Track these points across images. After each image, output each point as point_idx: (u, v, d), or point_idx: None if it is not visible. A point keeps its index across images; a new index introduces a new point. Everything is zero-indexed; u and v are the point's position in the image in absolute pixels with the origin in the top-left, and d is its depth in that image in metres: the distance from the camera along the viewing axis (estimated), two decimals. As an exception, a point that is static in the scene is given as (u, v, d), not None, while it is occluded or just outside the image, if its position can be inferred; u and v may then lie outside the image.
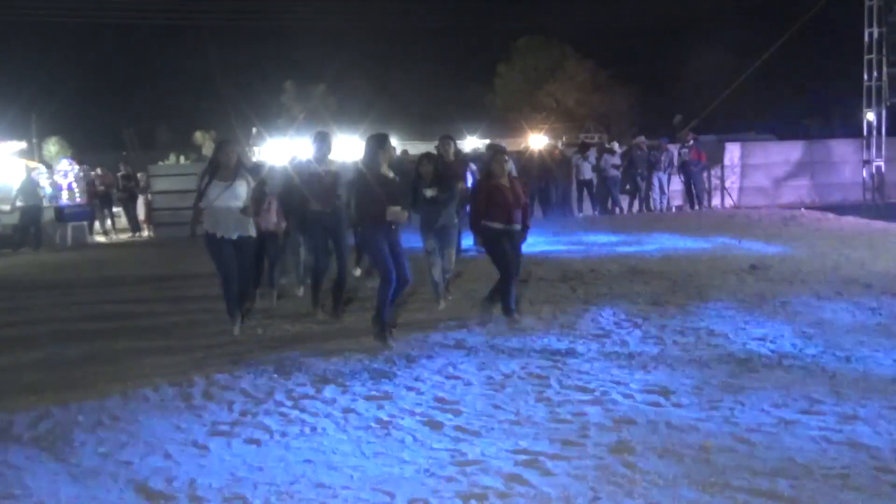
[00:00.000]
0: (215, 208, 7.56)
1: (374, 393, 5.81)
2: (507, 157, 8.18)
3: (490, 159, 7.98)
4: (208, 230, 7.63)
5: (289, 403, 5.67)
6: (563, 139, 26.86)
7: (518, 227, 7.82)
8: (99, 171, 21.70)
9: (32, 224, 17.83)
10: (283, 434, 5.06)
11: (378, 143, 7.26)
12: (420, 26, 48.78)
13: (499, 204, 7.69)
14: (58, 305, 10.16)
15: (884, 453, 4.40)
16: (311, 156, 8.51)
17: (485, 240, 7.80)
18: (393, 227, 7.20)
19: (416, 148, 21.49)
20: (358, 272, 10.39)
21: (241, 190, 7.63)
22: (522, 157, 19.69)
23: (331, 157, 8.59)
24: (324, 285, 8.65)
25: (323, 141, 8.41)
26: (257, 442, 4.94)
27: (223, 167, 7.66)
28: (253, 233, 7.85)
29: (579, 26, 45.58)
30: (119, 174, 21.38)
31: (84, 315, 9.36)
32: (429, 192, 8.54)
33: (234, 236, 7.63)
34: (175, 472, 4.50)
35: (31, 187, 18.24)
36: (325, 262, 8.48)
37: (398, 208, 7.09)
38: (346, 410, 5.45)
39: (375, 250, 7.21)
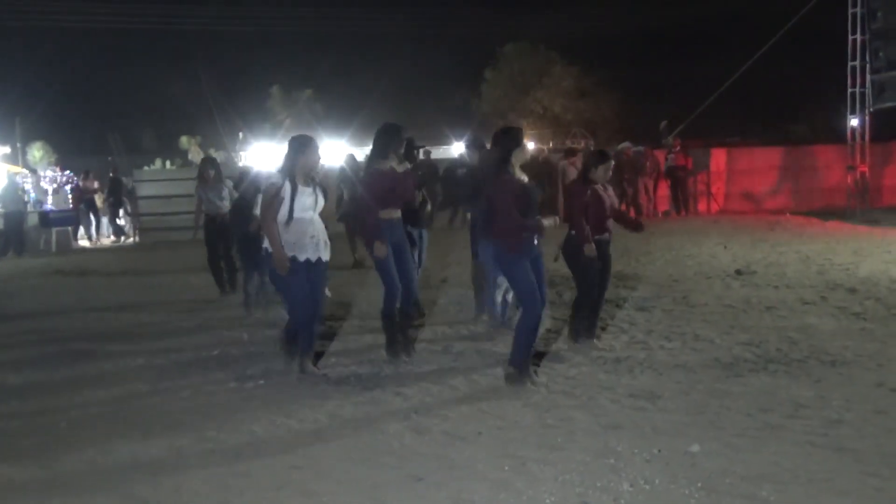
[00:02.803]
0: (302, 222, 6.07)
1: (361, 398, 5.79)
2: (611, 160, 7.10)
3: (592, 163, 6.95)
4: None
5: (275, 409, 5.64)
6: (550, 145, 26.95)
7: (608, 235, 6.98)
8: (83, 176, 21.60)
9: (16, 229, 17.72)
10: (270, 439, 5.04)
11: (514, 140, 5.88)
12: (407, 32, 48.88)
13: (595, 212, 6.80)
14: (40, 310, 10.09)
15: (869, 457, 4.42)
16: (378, 153, 6.74)
17: (573, 252, 6.81)
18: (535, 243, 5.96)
19: (403, 153, 21.42)
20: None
21: (322, 198, 6.30)
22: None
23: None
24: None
25: (396, 135, 6.79)
26: (244, 447, 4.92)
27: (307, 170, 6.19)
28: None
29: (565, 33, 45.76)
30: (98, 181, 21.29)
31: (68, 320, 9.29)
32: None
33: (325, 257, 6.25)
34: (161, 479, 4.47)
35: (13, 192, 18.13)
36: (397, 285, 6.77)
37: (550, 220, 5.87)
38: (334, 416, 5.44)
39: (522, 275, 5.84)
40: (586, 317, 6.98)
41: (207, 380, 6.45)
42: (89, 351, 7.63)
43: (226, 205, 9.82)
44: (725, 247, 13.36)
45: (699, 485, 4.14)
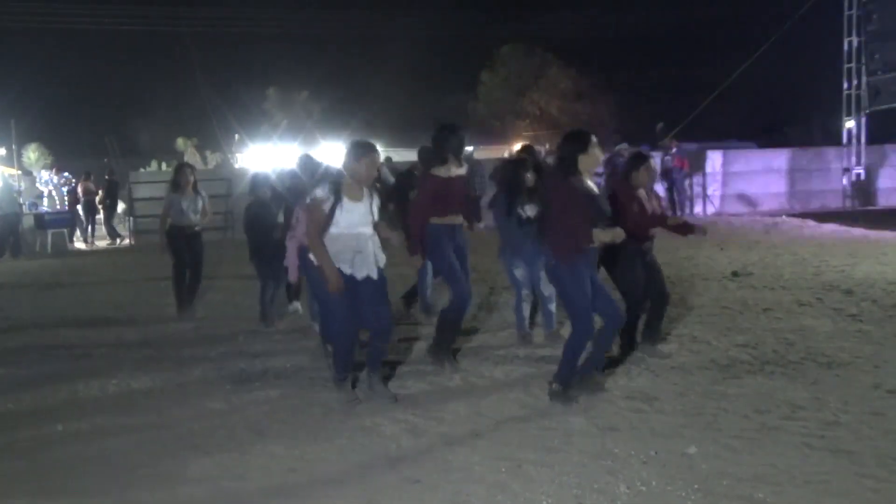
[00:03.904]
0: (346, 238, 5.53)
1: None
2: (653, 163, 6.62)
3: (633, 166, 6.54)
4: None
5: (271, 412, 5.63)
6: (546, 146, 26.97)
7: (651, 242, 6.61)
8: (84, 177, 21.52)
9: (11, 232, 17.67)
10: (266, 442, 5.03)
11: (581, 143, 5.39)
12: (404, 33, 48.87)
13: (640, 218, 6.39)
14: (36, 314, 10.06)
15: (865, 459, 4.43)
16: (437, 156, 6.48)
17: (616, 259, 6.36)
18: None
19: (400, 155, 21.41)
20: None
21: (374, 208, 5.72)
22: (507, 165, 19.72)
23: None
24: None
25: (453, 135, 6.45)
26: (240, 451, 4.91)
27: (360, 183, 5.61)
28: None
29: (562, 35, 45.83)
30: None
31: (64, 323, 9.26)
32: (529, 211, 6.96)
33: (374, 274, 5.63)
34: (157, 482, 4.46)
35: (8, 195, 18.08)
36: (467, 288, 6.46)
37: (610, 233, 5.39)
38: (330, 418, 5.42)
39: (578, 290, 5.39)
40: (648, 323, 6.72)
41: (203, 383, 6.44)
42: (84, 352, 7.61)
43: (198, 218, 9.08)
44: (722, 249, 13.38)
45: (696, 486, 4.14)
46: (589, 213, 5.34)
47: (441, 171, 6.40)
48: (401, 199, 9.21)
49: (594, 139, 5.43)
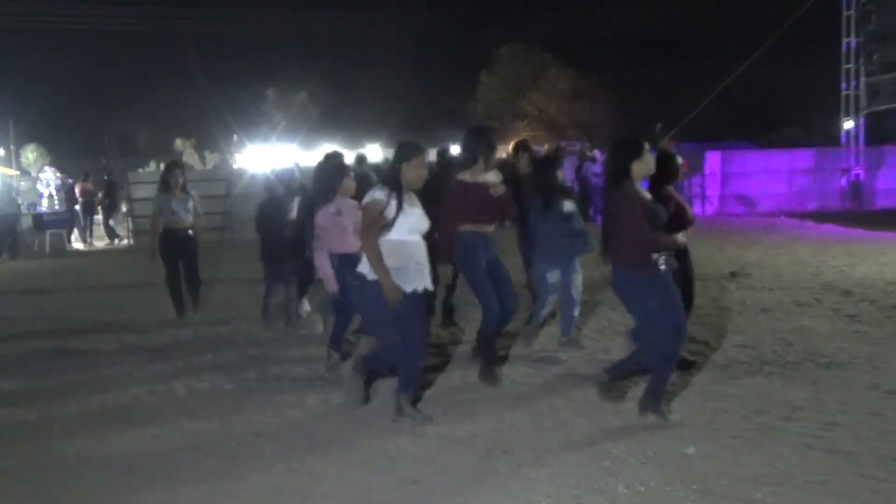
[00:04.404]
0: (407, 246, 5.08)
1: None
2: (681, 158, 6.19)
3: (664, 164, 5.98)
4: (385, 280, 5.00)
5: (270, 412, 5.63)
6: (545, 147, 26.99)
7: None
8: (83, 177, 21.51)
9: (10, 232, 17.65)
10: (265, 442, 5.03)
11: (634, 151, 5.09)
12: (403, 34, 48.93)
13: (679, 219, 5.97)
14: (35, 315, 10.05)
15: (864, 459, 4.43)
16: (465, 160, 6.21)
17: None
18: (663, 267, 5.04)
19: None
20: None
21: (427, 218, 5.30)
22: (506, 165, 19.74)
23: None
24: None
25: (482, 138, 6.18)
26: (238, 451, 4.91)
27: (410, 186, 5.18)
28: None
29: (561, 35, 45.92)
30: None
31: (63, 325, 9.25)
32: (568, 206, 6.84)
33: (430, 285, 5.21)
34: (155, 483, 4.46)
35: (7, 195, 18.06)
36: (495, 302, 6.08)
37: (677, 238, 5.04)
38: (329, 419, 5.42)
39: (647, 307, 5.07)
40: None
41: (202, 383, 6.43)
42: (84, 352, 7.61)
43: (190, 218, 8.88)
44: (720, 249, 13.38)
45: (695, 487, 4.14)
46: (652, 224, 5.04)
47: (467, 176, 6.12)
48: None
49: (647, 146, 5.15)
